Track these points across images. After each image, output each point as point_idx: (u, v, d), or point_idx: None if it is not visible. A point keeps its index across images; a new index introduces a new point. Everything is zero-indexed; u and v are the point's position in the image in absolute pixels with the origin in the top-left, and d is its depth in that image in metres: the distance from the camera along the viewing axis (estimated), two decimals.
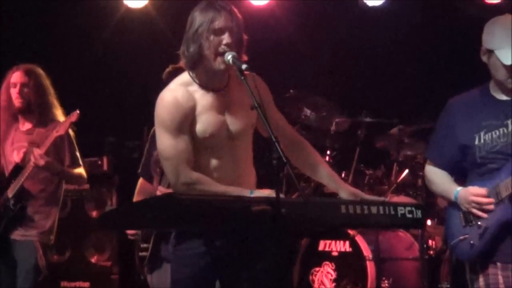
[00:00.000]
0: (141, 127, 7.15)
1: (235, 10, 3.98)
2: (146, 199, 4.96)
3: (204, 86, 3.99)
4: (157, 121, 3.97)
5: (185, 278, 3.98)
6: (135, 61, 8.46)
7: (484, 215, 4.24)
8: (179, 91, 3.96)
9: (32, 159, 5.61)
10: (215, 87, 4.00)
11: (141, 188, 5.48)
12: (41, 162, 5.60)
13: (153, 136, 5.44)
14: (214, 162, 3.99)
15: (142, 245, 5.29)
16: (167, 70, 5.31)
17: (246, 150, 4.10)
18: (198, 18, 3.94)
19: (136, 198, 5.45)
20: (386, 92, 8.29)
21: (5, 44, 7.90)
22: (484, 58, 4.35)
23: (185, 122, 3.92)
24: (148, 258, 5.22)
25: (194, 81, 3.99)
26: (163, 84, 5.20)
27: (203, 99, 3.97)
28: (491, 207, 4.24)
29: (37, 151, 5.60)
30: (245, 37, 4.00)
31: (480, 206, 4.26)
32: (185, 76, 4.03)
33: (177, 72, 5.21)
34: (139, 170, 5.53)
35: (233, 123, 4.00)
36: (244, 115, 3.98)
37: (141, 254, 5.31)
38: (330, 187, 4.27)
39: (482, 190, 4.27)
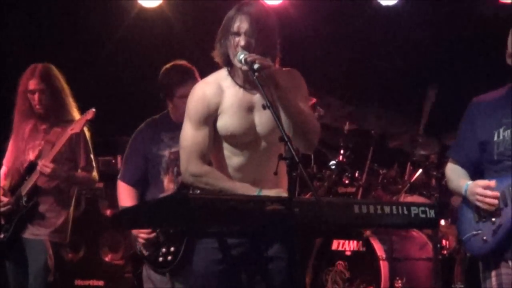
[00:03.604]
0: None
1: (263, 13, 3.99)
2: (159, 198, 4.99)
3: (237, 83, 4.03)
4: (186, 109, 4.06)
5: (203, 270, 3.99)
6: (149, 60, 8.46)
7: (490, 207, 4.22)
8: (210, 86, 4.03)
9: (38, 167, 5.71)
10: (247, 85, 4.03)
11: (128, 194, 5.44)
12: (47, 171, 5.69)
13: (138, 138, 5.46)
14: (237, 161, 4.04)
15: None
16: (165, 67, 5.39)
17: (276, 153, 3.99)
18: (226, 18, 4.00)
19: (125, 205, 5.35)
20: (399, 91, 8.28)
21: (19, 44, 7.95)
22: (509, 61, 4.34)
23: (208, 117, 3.99)
24: (174, 262, 5.20)
25: (229, 76, 4.04)
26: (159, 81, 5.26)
27: (232, 96, 4.01)
28: (495, 201, 4.21)
29: (42, 161, 5.70)
30: (276, 40, 4.01)
31: (483, 199, 4.24)
32: (223, 71, 4.08)
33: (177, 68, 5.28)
34: (121, 175, 5.49)
35: (261, 123, 4.02)
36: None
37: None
38: None
39: (490, 182, 4.25)
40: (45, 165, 5.67)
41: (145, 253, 5.27)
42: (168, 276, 5.21)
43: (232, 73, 4.04)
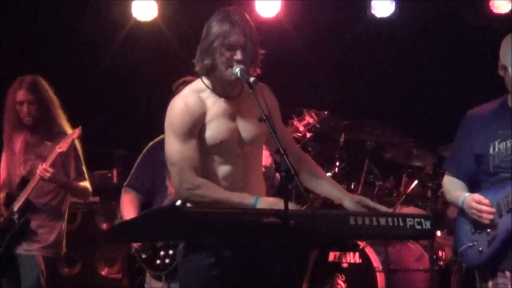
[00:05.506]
0: (150, 139, 7.17)
1: (250, 23, 4.01)
2: (153, 211, 4.98)
3: (217, 92, 4.03)
4: (167, 125, 4.00)
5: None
6: (144, 73, 8.49)
7: (485, 221, 4.25)
8: (191, 98, 4.00)
9: (38, 172, 5.67)
10: (228, 94, 4.05)
11: (131, 200, 5.44)
12: (47, 175, 5.66)
13: (151, 149, 5.47)
14: (224, 170, 4.02)
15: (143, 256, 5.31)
16: (177, 82, 5.36)
17: (257, 159, 4.13)
18: (214, 30, 3.97)
19: (128, 212, 5.37)
20: (394, 103, 8.29)
21: (14, 56, 7.94)
22: (501, 73, 4.36)
23: (194, 128, 3.96)
24: (172, 266, 5.18)
25: (207, 87, 4.04)
26: (172, 95, 5.24)
27: (214, 105, 4.01)
28: (490, 216, 4.24)
29: (42, 165, 5.67)
30: (260, 51, 4.04)
31: (479, 213, 4.27)
32: (198, 83, 4.08)
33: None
34: (128, 182, 5.51)
35: (245, 130, 4.04)
36: (256, 123, 3.95)
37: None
38: (334, 198, 4.30)
39: (485, 200, 4.28)
40: (46, 169, 5.64)
41: (143, 255, 5.27)
42: (163, 278, 5.22)
43: (212, 83, 4.05)
